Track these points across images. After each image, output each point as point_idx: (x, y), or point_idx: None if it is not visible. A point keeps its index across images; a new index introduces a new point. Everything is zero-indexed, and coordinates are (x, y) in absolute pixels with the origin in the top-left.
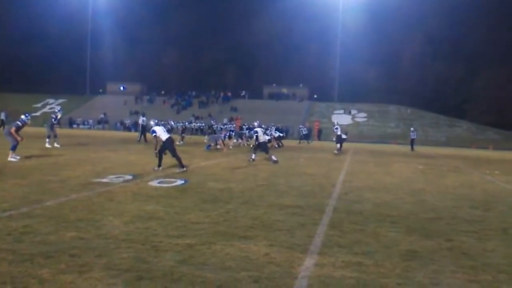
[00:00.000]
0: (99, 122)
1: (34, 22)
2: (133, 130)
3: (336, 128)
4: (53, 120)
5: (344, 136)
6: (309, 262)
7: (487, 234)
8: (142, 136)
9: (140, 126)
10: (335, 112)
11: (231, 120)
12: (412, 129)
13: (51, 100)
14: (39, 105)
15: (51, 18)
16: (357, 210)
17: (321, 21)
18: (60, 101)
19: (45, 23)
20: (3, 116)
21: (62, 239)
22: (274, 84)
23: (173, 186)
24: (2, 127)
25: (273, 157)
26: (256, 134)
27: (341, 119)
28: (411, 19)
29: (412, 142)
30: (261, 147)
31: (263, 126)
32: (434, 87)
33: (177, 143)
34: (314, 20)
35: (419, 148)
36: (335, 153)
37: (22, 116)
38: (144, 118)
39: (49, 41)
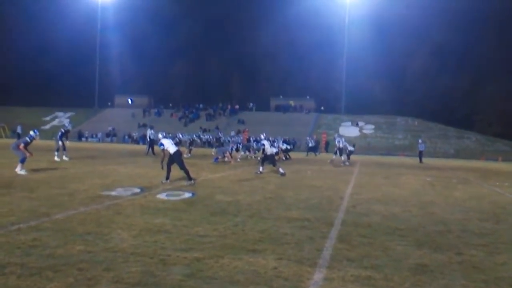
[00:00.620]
0: (107, 135)
1: (43, 36)
2: (141, 143)
3: (338, 141)
4: (59, 133)
5: (351, 148)
6: (318, 276)
7: (497, 248)
8: (150, 149)
9: (148, 139)
10: (342, 124)
11: (238, 132)
12: (420, 140)
13: (60, 113)
14: (48, 118)
15: (60, 33)
16: (365, 223)
17: (327, 33)
18: (69, 114)
19: (54, 37)
20: (19, 130)
21: (70, 252)
22: (281, 96)
23: (181, 199)
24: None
25: (281, 170)
26: (263, 147)
27: (348, 131)
28: (417, 31)
29: (421, 154)
30: (269, 159)
31: (270, 138)
32: (441, 98)
33: (185, 155)
34: (320, 32)
35: (428, 160)
36: (341, 165)
37: (31, 132)
38: (152, 131)
39: (58, 55)
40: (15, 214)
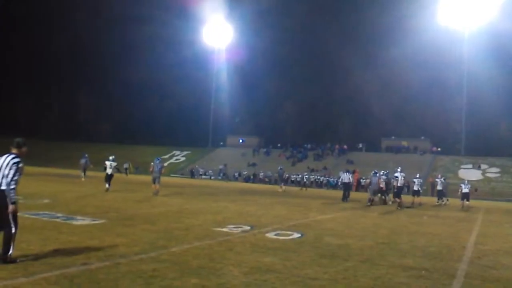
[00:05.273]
0: (218, 173)
1: (164, 84)
2: (250, 181)
3: (466, 185)
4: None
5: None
6: None
7: None
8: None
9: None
10: (462, 166)
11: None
12: None
13: (177, 152)
14: (167, 156)
15: (178, 80)
16: (493, 277)
17: (444, 68)
18: (185, 152)
19: (173, 84)
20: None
21: (186, 285)
22: (393, 137)
23: (290, 239)
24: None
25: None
26: (397, 178)
27: (469, 174)
28: None
29: None
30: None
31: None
32: None
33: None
34: (436, 67)
35: None
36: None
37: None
38: (350, 175)
39: (176, 99)
40: (137, 244)
